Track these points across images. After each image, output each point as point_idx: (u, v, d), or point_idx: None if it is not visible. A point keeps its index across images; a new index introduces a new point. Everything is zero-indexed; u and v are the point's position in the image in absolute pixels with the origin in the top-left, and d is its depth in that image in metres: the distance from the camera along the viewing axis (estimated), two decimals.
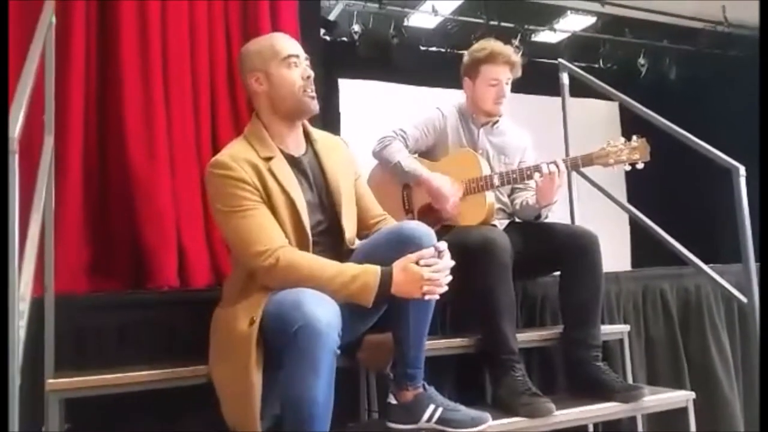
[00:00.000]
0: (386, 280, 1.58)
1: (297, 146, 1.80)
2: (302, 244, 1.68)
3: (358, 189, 1.91)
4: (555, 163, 2.20)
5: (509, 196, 2.47)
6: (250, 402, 1.49)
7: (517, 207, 2.43)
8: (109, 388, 1.68)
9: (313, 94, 1.75)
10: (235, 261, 1.78)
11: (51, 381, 1.66)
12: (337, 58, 5.54)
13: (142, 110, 2.40)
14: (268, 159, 1.70)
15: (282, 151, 1.75)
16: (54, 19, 1.93)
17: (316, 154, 1.83)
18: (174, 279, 2.31)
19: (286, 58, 1.74)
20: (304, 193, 1.73)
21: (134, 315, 1.99)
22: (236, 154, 1.68)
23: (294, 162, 1.76)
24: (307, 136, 1.85)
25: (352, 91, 5.84)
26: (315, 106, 1.76)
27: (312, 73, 1.76)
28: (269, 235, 1.63)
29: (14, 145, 1.29)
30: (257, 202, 1.65)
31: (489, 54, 2.37)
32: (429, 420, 1.76)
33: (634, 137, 2.17)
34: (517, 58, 2.40)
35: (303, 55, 1.78)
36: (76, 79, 2.31)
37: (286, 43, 1.78)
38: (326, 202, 1.79)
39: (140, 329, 1.98)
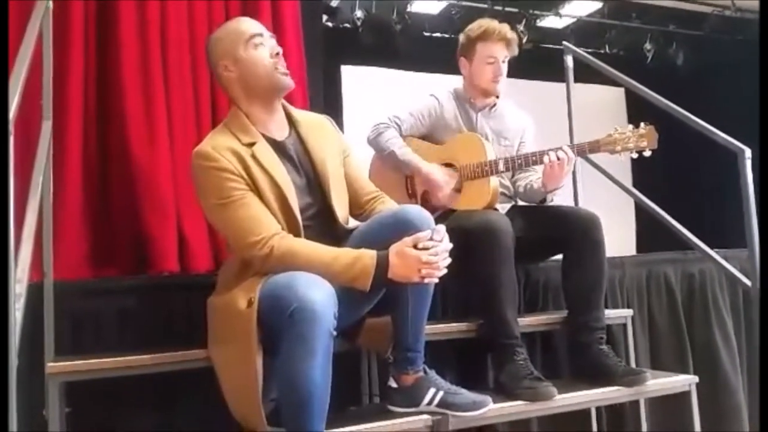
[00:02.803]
0: (382, 264, 1.56)
1: (279, 130, 1.77)
2: (293, 229, 1.66)
3: (348, 167, 1.87)
4: (563, 149, 2.17)
5: (511, 178, 2.45)
6: (252, 382, 1.49)
7: (521, 190, 2.41)
8: (108, 372, 1.68)
9: (285, 70, 1.71)
10: (231, 248, 1.77)
11: (50, 364, 1.66)
12: (340, 44, 5.50)
13: (141, 95, 2.40)
14: (251, 145, 1.67)
15: (265, 136, 1.72)
16: (51, 4, 1.92)
17: (300, 137, 1.79)
18: (174, 265, 2.31)
19: (250, 38, 1.70)
20: (291, 176, 1.70)
21: (133, 300, 1.99)
22: (218, 144, 1.65)
23: (278, 146, 1.73)
24: (289, 118, 1.81)
25: (354, 77, 5.81)
26: (289, 81, 1.72)
27: (280, 49, 1.72)
28: (262, 224, 1.61)
29: (9, 128, 1.27)
30: (245, 191, 1.62)
31: (484, 31, 2.36)
32: (430, 403, 1.76)
33: (642, 124, 2.15)
34: (512, 35, 2.38)
35: (267, 33, 1.74)
36: (75, 64, 2.30)
37: (247, 24, 1.74)
38: (314, 184, 1.76)
39: (140, 314, 1.98)
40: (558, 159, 2.15)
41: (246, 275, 1.62)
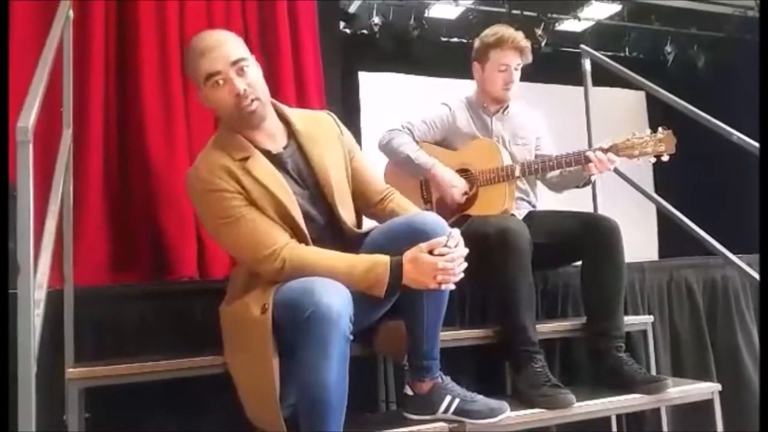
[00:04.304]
0: (396, 270, 1.55)
1: (273, 142, 1.69)
2: (300, 239, 1.64)
3: (357, 165, 1.81)
4: (594, 153, 2.15)
5: (537, 177, 2.42)
6: (270, 388, 1.49)
7: (555, 180, 2.39)
8: (128, 377, 1.70)
9: (252, 107, 1.60)
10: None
11: (71, 370, 1.68)
12: (358, 51, 5.53)
13: (161, 103, 2.43)
14: (244, 159, 1.62)
15: (258, 149, 1.65)
16: (72, 14, 1.95)
17: (299, 147, 1.71)
18: (193, 270, 2.34)
19: (207, 79, 1.59)
20: (291, 188, 1.65)
21: (153, 306, 2.00)
22: (210, 163, 1.61)
23: (273, 159, 1.67)
24: (288, 126, 1.73)
25: (372, 84, 5.83)
26: (257, 118, 1.62)
27: (241, 89, 1.57)
28: (270, 237, 1.59)
29: (28, 135, 1.30)
30: (245, 207, 1.59)
31: (498, 39, 2.35)
32: (446, 411, 1.74)
33: (660, 129, 2.13)
34: (526, 43, 2.37)
35: (228, 63, 1.57)
36: (96, 73, 2.34)
37: (204, 61, 1.58)
38: (317, 194, 1.71)
39: (159, 320, 1.99)
40: (599, 160, 2.15)
41: (255, 283, 1.62)
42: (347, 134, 1.84)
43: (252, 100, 1.60)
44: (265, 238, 1.58)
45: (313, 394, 1.43)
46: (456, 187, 2.31)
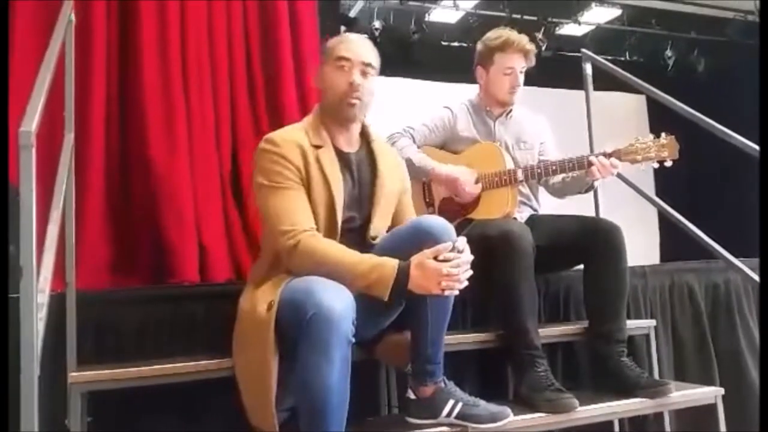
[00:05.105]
0: (403, 274, 1.56)
1: (348, 144, 1.81)
2: (330, 235, 1.69)
3: (404, 201, 1.91)
4: (597, 158, 2.15)
5: (539, 182, 2.42)
6: (267, 387, 1.51)
7: (558, 186, 2.38)
8: (130, 382, 1.70)
9: (354, 101, 1.73)
10: (264, 242, 1.79)
11: (73, 374, 1.68)
12: None
13: (162, 107, 2.43)
14: (318, 147, 1.73)
15: (333, 145, 1.77)
16: (73, 18, 1.95)
17: (369, 155, 1.83)
18: (194, 274, 2.33)
19: (336, 59, 1.75)
20: (345, 187, 1.74)
21: (155, 310, 2.00)
22: (288, 135, 1.73)
23: (341, 156, 1.77)
24: (366, 138, 1.85)
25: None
26: (353, 115, 1.76)
27: (357, 81, 1.73)
28: (297, 216, 1.65)
29: (31, 140, 1.30)
30: (294, 183, 1.67)
31: (503, 42, 2.35)
32: (448, 415, 1.74)
33: (663, 134, 2.13)
34: (531, 46, 2.37)
35: (360, 60, 1.74)
36: (98, 78, 2.34)
37: (344, 45, 1.77)
38: (365, 200, 1.79)
39: (161, 324, 1.99)
40: (602, 165, 2.15)
41: (272, 274, 1.66)
42: (407, 177, 1.98)
43: (357, 97, 1.73)
44: (291, 216, 1.65)
45: (314, 396, 1.43)
46: (462, 181, 2.28)
